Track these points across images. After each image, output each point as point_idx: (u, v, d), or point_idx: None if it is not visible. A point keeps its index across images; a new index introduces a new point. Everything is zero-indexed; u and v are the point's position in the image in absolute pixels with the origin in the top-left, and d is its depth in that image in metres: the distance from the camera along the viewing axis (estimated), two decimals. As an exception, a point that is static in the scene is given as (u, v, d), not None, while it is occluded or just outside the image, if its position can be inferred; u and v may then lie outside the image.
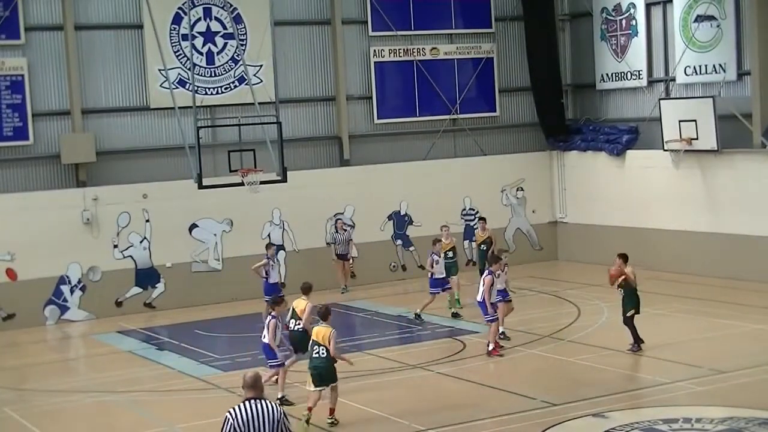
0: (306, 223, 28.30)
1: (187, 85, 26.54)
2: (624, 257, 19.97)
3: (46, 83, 26.58)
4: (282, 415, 10.06)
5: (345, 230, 28.20)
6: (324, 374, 15.96)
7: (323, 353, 15.92)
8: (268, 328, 17.10)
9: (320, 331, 16.06)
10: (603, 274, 28.16)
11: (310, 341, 16.26)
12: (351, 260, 28.40)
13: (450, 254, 24.42)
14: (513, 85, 31.99)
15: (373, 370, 19.39)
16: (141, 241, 26.87)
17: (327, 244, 28.33)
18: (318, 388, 15.98)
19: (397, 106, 30.55)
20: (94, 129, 26.99)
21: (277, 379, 17.37)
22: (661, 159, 28.16)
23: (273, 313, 17.27)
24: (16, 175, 26.39)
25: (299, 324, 18.19)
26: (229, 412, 10.01)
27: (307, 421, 15.77)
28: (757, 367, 17.83)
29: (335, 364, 16.02)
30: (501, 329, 20.52)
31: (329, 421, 16.01)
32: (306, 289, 18.65)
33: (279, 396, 16.98)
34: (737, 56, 26.83)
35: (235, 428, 9.90)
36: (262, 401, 10.06)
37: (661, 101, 28.00)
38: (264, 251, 24.09)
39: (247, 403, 10.00)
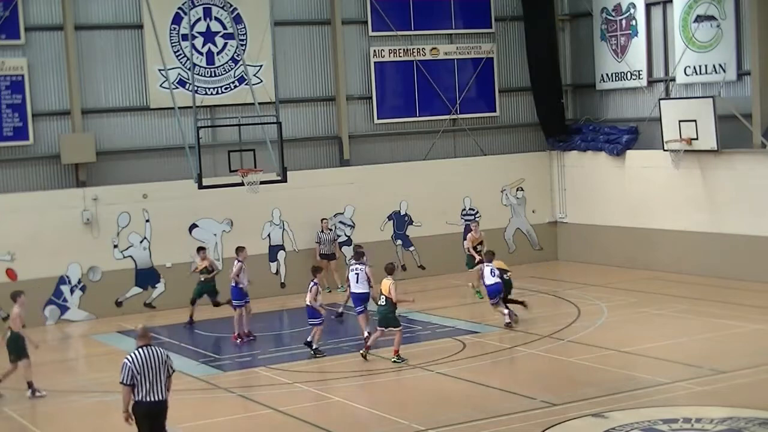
0: (306, 223, 28.29)
1: (187, 85, 26.55)
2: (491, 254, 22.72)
3: (46, 83, 26.59)
4: (167, 357, 12.91)
5: (330, 230, 28.18)
6: (384, 318, 19.79)
7: (383, 301, 19.75)
8: (310, 292, 20.28)
9: (384, 284, 19.82)
10: (603, 274, 28.37)
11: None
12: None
13: (479, 248, 25.77)
14: (513, 85, 31.98)
15: (373, 370, 19.41)
16: (141, 241, 26.87)
17: (316, 243, 28.25)
18: (380, 328, 19.93)
19: (397, 106, 30.54)
20: (94, 129, 26.99)
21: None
22: (661, 159, 28.15)
23: (315, 281, 20.45)
24: (16, 175, 26.39)
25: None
26: (127, 358, 12.77)
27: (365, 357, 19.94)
28: (757, 367, 17.84)
29: (396, 310, 19.87)
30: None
31: (393, 359, 19.53)
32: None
33: (314, 347, 20.41)
34: (737, 56, 26.82)
35: (132, 370, 12.65)
36: (151, 347, 12.90)
37: (661, 101, 27.99)
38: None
39: (139, 349, 12.81)
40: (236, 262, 22.91)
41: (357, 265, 21.87)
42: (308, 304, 20.44)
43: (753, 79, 26.14)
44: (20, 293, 19.30)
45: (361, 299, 21.40)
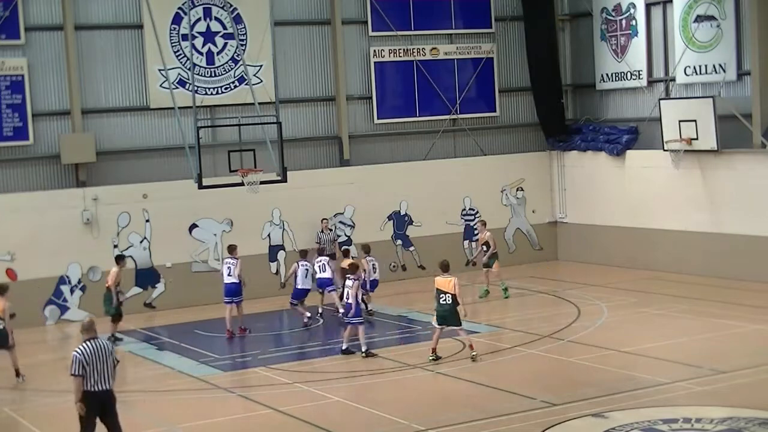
0: (306, 223, 28.28)
1: (187, 85, 26.55)
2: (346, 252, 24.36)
3: (46, 83, 26.59)
4: (112, 349, 13.81)
5: (330, 230, 28.16)
6: (448, 317, 19.25)
7: (449, 299, 19.14)
8: (351, 289, 20.10)
9: (443, 282, 19.21)
10: (603, 274, 28.36)
11: (436, 290, 19.24)
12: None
13: (484, 248, 26.12)
14: (513, 85, 31.98)
15: (373, 370, 19.40)
16: (141, 241, 26.87)
17: (316, 243, 28.21)
18: (439, 326, 19.37)
19: (397, 106, 30.55)
20: (94, 129, 26.99)
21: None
22: (661, 159, 28.15)
23: (353, 277, 20.30)
24: (16, 175, 26.39)
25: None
26: (76, 351, 13.50)
27: (434, 359, 19.35)
28: (757, 367, 17.84)
29: (458, 308, 19.23)
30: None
31: (473, 354, 19.31)
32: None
33: (364, 349, 20.03)
34: (737, 56, 26.83)
35: (82, 362, 13.40)
36: (98, 340, 13.65)
37: (661, 101, 28.00)
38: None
39: (87, 342, 13.56)
40: (235, 259, 22.99)
41: (305, 261, 23.72)
42: (350, 302, 20.26)
43: (753, 79, 26.14)
44: None
45: (305, 294, 23.68)
